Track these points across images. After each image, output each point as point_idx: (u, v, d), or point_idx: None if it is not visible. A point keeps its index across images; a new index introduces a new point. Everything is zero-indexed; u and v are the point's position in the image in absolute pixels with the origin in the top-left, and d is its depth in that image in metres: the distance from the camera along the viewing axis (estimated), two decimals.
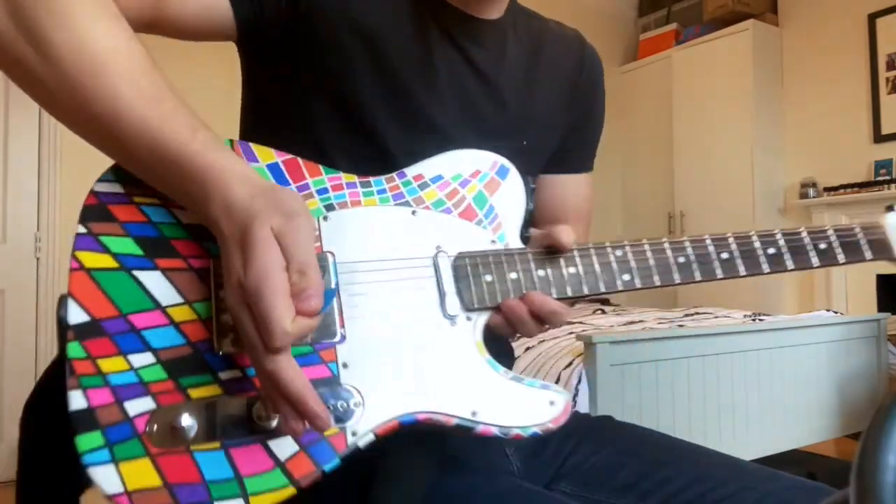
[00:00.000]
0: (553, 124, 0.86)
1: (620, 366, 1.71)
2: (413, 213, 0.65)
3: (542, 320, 0.65)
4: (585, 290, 0.66)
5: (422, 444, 0.63)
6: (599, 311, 3.08)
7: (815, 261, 0.72)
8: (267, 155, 0.62)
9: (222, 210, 0.52)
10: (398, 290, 0.61)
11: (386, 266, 0.61)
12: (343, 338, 0.58)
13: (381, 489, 0.59)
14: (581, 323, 2.48)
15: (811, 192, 3.96)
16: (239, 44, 0.74)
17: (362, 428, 0.56)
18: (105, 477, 0.50)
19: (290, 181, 0.62)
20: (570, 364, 1.76)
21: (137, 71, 0.54)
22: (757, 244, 0.71)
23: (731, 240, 0.71)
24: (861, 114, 3.84)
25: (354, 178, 0.64)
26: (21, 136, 2.96)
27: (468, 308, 0.62)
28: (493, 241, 0.66)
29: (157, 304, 0.55)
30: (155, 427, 0.52)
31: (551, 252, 0.66)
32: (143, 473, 0.51)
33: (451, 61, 0.76)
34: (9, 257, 2.94)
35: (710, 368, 1.89)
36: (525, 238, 0.70)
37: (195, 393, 0.54)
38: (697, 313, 2.71)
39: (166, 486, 0.51)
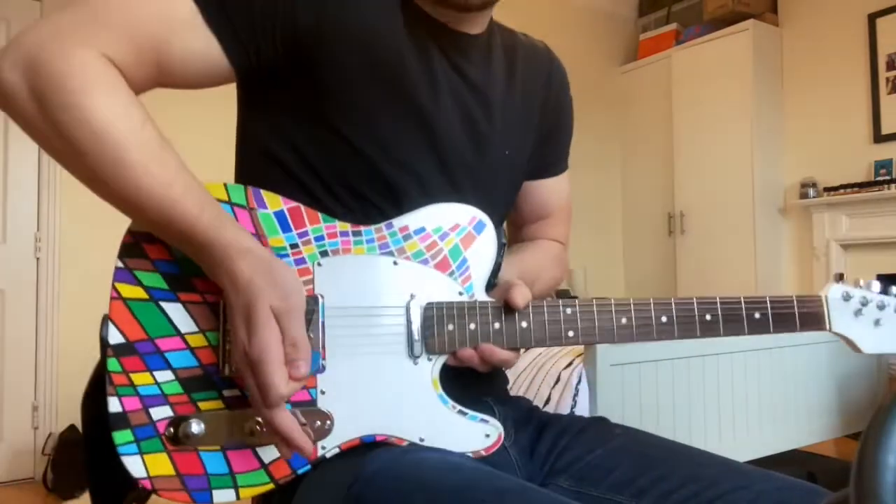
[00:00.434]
0: (528, 134, 0.90)
1: (620, 366, 1.71)
2: (395, 262, 0.73)
3: (493, 366, 0.75)
4: (533, 344, 0.75)
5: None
6: None
7: (746, 329, 0.79)
8: (275, 202, 0.71)
9: (229, 283, 0.64)
10: (374, 331, 0.71)
11: (366, 312, 0.71)
12: (324, 368, 0.70)
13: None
14: None
15: (811, 192, 3.96)
16: (240, 85, 0.78)
17: (330, 444, 0.69)
18: (133, 464, 0.66)
19: (293, 228, 0.71)
20: (570, 364, 1.76)
21: (150, 159, 0.63)
22: (696, 310, 0.78)
23: (672, 306, 0.77)
24: (861, 114, 3.84)
25: (348, 227, 0.73)
26: (21, 137, 2.94)
27: (430, 351, 0.72)
28: (461, 293, 0.75)
29: (177, 331, 0.68)
30: (171, 430, 0.66)
31: (507, 308, 0.74)
32: (161, 464, 0.66)
33: (449, 76, 0.79)
34: (9, 257, 2.94)
35: (710, 368, 1.89)
36: (492, 285, 0.78)
37: (204, 406, 0.68)
38: None
39: (178, 475, 0.67)
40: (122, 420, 0.65)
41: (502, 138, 0.84)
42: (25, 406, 2.94)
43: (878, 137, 3.76)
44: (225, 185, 0.70)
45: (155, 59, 0.67)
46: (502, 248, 0.78)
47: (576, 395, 1.67)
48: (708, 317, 0.78)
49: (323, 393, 0.69)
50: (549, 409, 1.69)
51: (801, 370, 2.10)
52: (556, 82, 0.95)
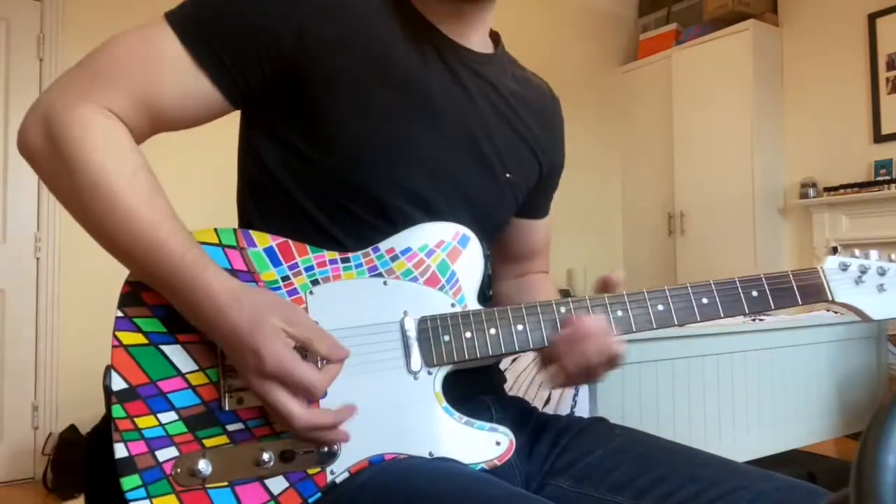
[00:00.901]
0: (530, 167, 0.90)
1: (620, 366, 1.71)
2: (384, 283, 0.74)
3: (607, 351, 0.75)
4: (531, 346, 0.75)
5: None
6: None
7: (746, 308, 0.79)
8: (263, 240, 0.73)
9: (216, 318, 0.65)
10: (371, 350, 0.72)
11: (361, 332, 0.72)
12: (325, 393, 0.68)
13: None
14: None
15: (811, 192, 3.96)
16: (243, 113, 0.80)
17: (339, 468, 0.69)
18: None
19: (283, 261, 0.73)
20: None
21: (139, 204, 0.66)
22: (691, 295, 0.78)
23: (667, 294, 0.78)
24: (861, 114, 3.84)
25: (336, 255, 0.74)
26: None
27: (429, 364, 0.72)
28: (453, 305, 0.75)
29: (178, 372, 0.69)
30: (178, 470, 0.66)
31: (500, 313, 0.75)
32: None
33: (450, 92, 0.80)
34: (9, 257, 2.94)
35: (710, 368, 1.89)
36: (487, 298, 0.80)
37: (209, 443, 0.68)
38: None
39: None
40: (129, 465, 0.66)
41: (503, 162, 0.85)
42: (25, 406, 2.94)
43: (878, 137, 3.76)
44: (215, 229, 0.72)
45: (151, 104, 0.70)
46: (488, 259, 0.79)
47: (576, 395, 1.67)
48: (705, 300, 0.78)
49: None
50: (549, 409, 1.69)
51: (801, 370, 2.10)
52: (558, 122, 0.98)
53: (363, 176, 0.75)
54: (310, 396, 0.65)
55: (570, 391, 1.70)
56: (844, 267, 0.81)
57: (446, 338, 0.73)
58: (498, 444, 0.72)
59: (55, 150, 0.67)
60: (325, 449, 0.68)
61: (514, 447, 0.72)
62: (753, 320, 2.41)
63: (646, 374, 1.76)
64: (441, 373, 0.73)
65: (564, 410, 1.66)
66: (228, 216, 0.85)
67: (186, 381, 0.69)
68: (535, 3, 4.31)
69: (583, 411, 1.65)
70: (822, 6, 4.05)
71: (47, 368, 2.97)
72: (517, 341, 0.74)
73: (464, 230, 0.77)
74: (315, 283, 0.72)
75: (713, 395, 1.89)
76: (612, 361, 0.77)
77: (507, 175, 0.85)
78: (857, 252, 0.82)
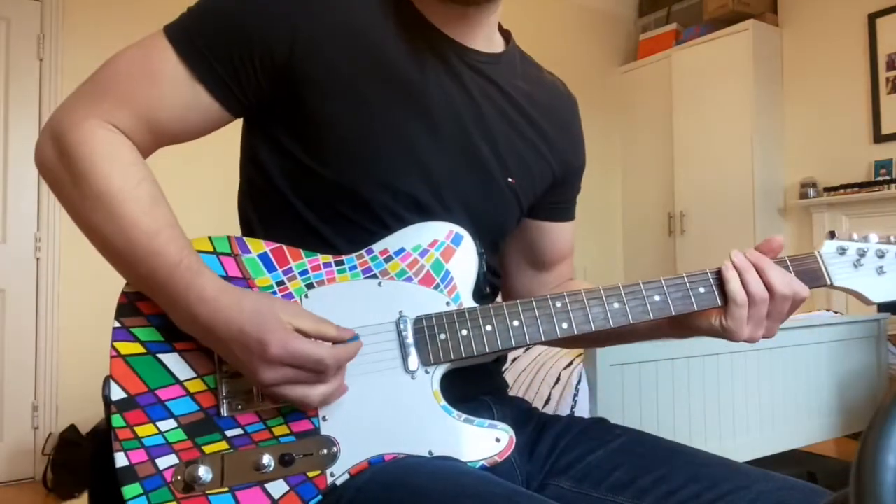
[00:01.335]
0: (539, 171, 0.88)
1: (620, 366, 1.71)
2: (379, 284, 0.74)
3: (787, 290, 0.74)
4: (528, 341, 0.75)
5: None
6: None
7: None
8: (257, 246, 0.74)
9: (217, 320, 0.65)
10: (368, 352, 0.71)
11: (357, 333, 0.71)
12: (346, 387, 0.69)
13: None
14: None
15: (811, 192, 3.96)
16: (246, 120, 0.81)
17: (339, 470, 0.69)
18: None
19: (278, 267, 0.73)
20: (570, 364, 1.76)
21: (142, 213, 0.68)
22: (687, 285, 0.78)
23: (663, 284, 0.77)
24: (861, 114, 3.84)
25: (330, 259, 0.75)
26: (21, 136, 2.96)
27: (426, 364, 0.72)
28: (448, 303, 0.75)
29: (176, 379, 0.69)
30: (179, 477, 0.67)
31: (496, 309, 0.75)
32: None
33: (449, 93, 0.79)
34: (9, 257, 2.94)
35: (710, 368, 1.89)
36: (484, 295, 0.80)
37: (208, 449, 0.68)
38: None
39: None
40: (129, 474, 0.66)
41: (506, 166, 0.83)
42: (25, 406, 2.94)
43: (878, 137, 3.76)
44: (209, 237, 0.73)
45: (153, 119, 0.72)
46: (483, 257, 0.78)
47: (576, 395, 1.67)
48: (702, 289, 0.77)
49: (325, 419, 0.70)
50: (549, 409, 1.69)
51: (801, 370, 2.10)
52: (576, 123, 0.95)
53: (358, 180, 0.75)
54: (321, 370, 0.66)
55: (570, 391, 1.70)
56: (842, 251, 0.79)
57: (442, 336, 0.73)
58: (498, 440, 0.72)
59: (65, 165, 0.69)
60: (325, 451, 0.68)
61: (514, 443, 0.72)
62: None
63: (646, 374, 1.76)
64: (438, 371, 0.73)
65: (565, 410, 1.66)
66: (235, 222, 0.86)
67: (184, 388, 0.69)
68: (535, 3, 4.31)
69: (583, 411, 1.65)
70: (822, 6, 4.05)
71: (47, 368, 2.97)
72: (513, 337, 0.74)
73: (457, 229, 0.77)
74: (310, 286, 0.73)
75: (713, 395, 1.89)
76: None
77: (510, 180, 0.84)
78: (854, 235, 0.80)
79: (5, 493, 2.81)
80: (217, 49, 0.72)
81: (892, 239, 0.80)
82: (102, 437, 0.71)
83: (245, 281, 0.72)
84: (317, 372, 0.66)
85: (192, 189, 2.99)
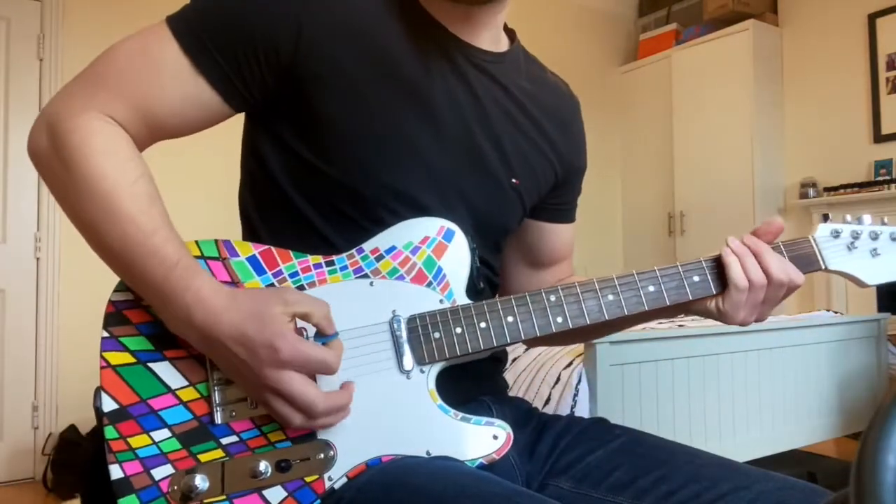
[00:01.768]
0: (542, 172, 0.88)
1: (620, 366, 1.71)
2: (371, 283, 0.73)
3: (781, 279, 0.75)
4: (523, 336, 0.74)
5: None
6: None
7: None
8: (246, 249, 0.73)
9: (216, 321, 0.64)
10: (362, 353, 0.71)
11: (350, 335, 0.70)
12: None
13: None
14: None
15: (811, 192, 3.96)
16: (248, 116, 0.80)
17: (336, 473, 0.68)
18: None
19: (267, 269, 0.72)
20: (570, 364, 1.76)
21: (138, 210, 0.66)
22: (682, 274, 0.77)
23: (657, 274, 0.77)
24: (861, 114, 3.84)
25: (320, 259, 0.74)
26: (21, 136, 2.95)
27: (421, 363, 0.72)
28: (442, 301, 0.74)
29: (168, 388, 0.68)
30: (175, 487, 0.66)
31: (490, 306, 0.74)
32: None
33: (453, 92, 0.78)
34: (9, 257, 2.94)
35: (710, 368, 1.89)
36: (478, 291, 0.78)
37: (203, 457, 0.67)
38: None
39: None
40: (125, 486, 0.65)
41: (509, 166, 0.83)
42: (25, 406, 2.94)
43: (878, 137, 3.76)
44: (196, 241, 0.71)
45: (151, 110, 0.71)
46: (475, 252, 0.77)
47: (576, 395, 1.67)
48: (696, 278, 0.77)
49: None
50: (549, 409, 1.69)
51: (801, 370, 2.10)
52: (578, 124, 0.95)
53: (360, 179, 0.75)
54: (326, 374, 0.66)
55: (570, 391, 1.70)
56: (836, 234, 0.79)
57: (437, 335, 0.72)
58: (495, 437, 0.71)
59: (58, 155, 0.68)
60: (322, 455, 0.68)
61: (511, 440, 0.71)
62: None
63: (646, 374, 1.76)
64: (434, 370, 0.72)
65: (564, 410, 1.66)
66: (235, 220, 0.86)
67: (177, 397, 0.68)
68: (535, 3, 4.31)
69: (583, 411, 1.65)
70: (822, 6, 4.05)
71: (47, 368, 2.97)
72: (508, 333, 0.73)
73: (448, 224, 0.76)
74: (301, 289, 0.72)
75: (713, 395, 1.89)
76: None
77: (513, 180, 0.83)
78: (848, 217, 0.80)
79: (5, 493, 2.81)
80: (221, 43, 0.70)
81: (886, 221, 0.80)
82: (95, 447, 0.70)
83: (234, 285, 0.70)
84: (322, 372, 0.66)
85: (192, 184, 2.99)
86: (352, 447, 0.68)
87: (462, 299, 0.75)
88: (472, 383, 0.80)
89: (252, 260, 0.72)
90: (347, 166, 0.75)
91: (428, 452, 0.70)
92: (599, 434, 0.81)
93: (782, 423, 2.04)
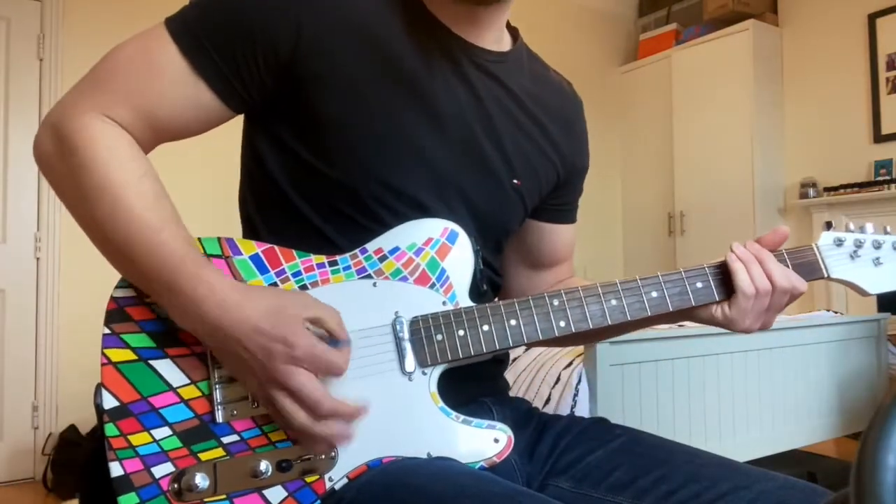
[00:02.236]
0: (544, 172, 0.88)
1: (620, 366, 1.71)
2: (374, 284, 0.73)
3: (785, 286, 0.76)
4: (525, 340, 0.74)
5: None
6: None
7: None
8: (249, 247, 0.72)
9: (227, 315, 0.64)
10: (364, 354, 0.70)
11: (353, 335, 0.69)
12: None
13: None
14: None
15: (811, 192, 3.96)
16: (248, 117, 0.80)
17: (337, 474, 0.68)
18: None
19: (270, 268, 0.72)
20: (570, 364, 1.76)
21: (144, 207, 0.66)
22: (685, 280, 0.78)
23: (661, 279, 0.77)
24: (861, 114, 3.84)
25: (323, 259, 0.73)
26: (21, 137, 2.96)
27: (423, 365, 0.72)
28: (445, 303, 0.74)
29: (169, 386, 0.68)
30: (175, 486, 0.66)
31: (493, 309, 0.74)
32: None
33: (453, 93, 0.78)
34: (9, 257, 2.94)
35: (710, 368, 1.89)
36: (481, 293, 0.78)
37: (204, 456, 0.67)
38: None
39: None
40: (125, 484, 0.65)
41: (511, 167, 0.83)
42: (25, 406, 2.94)
43: (878, 137, 3.76)
44: (199, 239, 0.71)
45: (152, 114, 0.71)
46: (479, 255, 0.77)
47: (576, 395, 1.67)
48: (699, 284, 0.77)
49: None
50: (549, 409, 1.69)
51: (801, 370, 2.10)
52: (580, 124, 0.95)
53: (361, 180, 0.75)
54: (334, 375, 0.66)
55: (570, 391, 1.70)
56: (839, 242, 0.79)
57: (439, 337, 0.72)
58: (496, 441, 0.71)
59: (63, 158, 0.68)
60: (323, 456, 0.67)
61: (512, 443, 0.71)
62: None
63: (646, 374, 1.76)
64: (436, 372, 0.72)
65: (565, 410, 1.66)
66: (235, 219, 0.86)
67: (178, 395, 0.68)
68: (535, 3, 4.31)
69: (583, 411, 1.65)
70: (822, 6, 4.05)
71: (47, 368, 2.97)
72: (511, 336, 0.73)
73: (452, 226, 0.76)
74: (303, 288, 0.72)
75: (713, 395, 1.89)
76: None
77: (515, 181, 0.83)
78: (851, 226, 0.80)
79: (5, 493, 2.81)
80: (220, 44, 0.70)
81: (888, 230, 0.80)
82: (94, 445, 0.70)
83: None
84: (330, 373, 0.66)
85: (192, 184, 2.99)
86: (353, 448, 0.68)
87: (465, 301, 0.75)
88: (473, 384, 0.80)
89: (255, 258, 0.72)
90: (347, 166, 0.74)
91: (429, 454, 0.70)
92: (599, 434, 0.81)
93: (782, 423, 2.04)
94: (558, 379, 1.74)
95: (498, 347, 0.73)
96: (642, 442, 0.80)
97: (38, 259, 2.99)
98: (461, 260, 0.76)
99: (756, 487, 0.70)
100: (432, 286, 0.74)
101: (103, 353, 0.68)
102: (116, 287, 0.71)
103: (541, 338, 0.74)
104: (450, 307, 0.74)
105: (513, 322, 0.74)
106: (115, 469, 0.65)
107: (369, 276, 0.73)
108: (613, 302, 0.75)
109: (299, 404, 0.64)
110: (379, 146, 0.75)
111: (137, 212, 0.66)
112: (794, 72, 4.16)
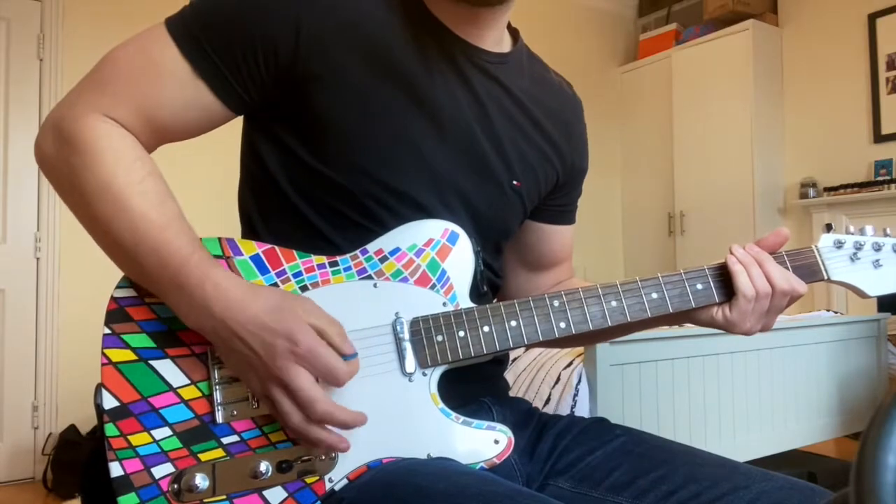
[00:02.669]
0: (543, 174, 0.88)
1: (620, 366, 1.71)
2: (374, 285, 0.73)
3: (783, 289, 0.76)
4: (526, 341, 0.74)
5: None
6: None
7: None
8: (249, 248, 0.72)
9: (232, 314, 0.64)
10: (365, 355, 0.70)
11: (353, 336, 0.69)
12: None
13: None
14: None
15: (811, 192, 3.96)
16: (247, 118, 0.80)
17: (337, 475, 0.68)
18: None
19: (271, 269, 0.72)
20: (570, 364, 1.76)
21: (149, 206, 0.67)
22: (685, 282, 0.78)
23: (661, 280, 0.77)
24: (861, 114, 3.84)
25: (324, 260, 0.73)
26: (21, 137, 2.96)
27: (423, 366, 0.72)
28: (445, 304, 0.74)
29: (169, 387, 0.68)
30: (176, 486, 0.66)
31: (493, 310, 0.74)
32: None
33: (453, 95, 0.78)
34: (9, 257, 2.94)
35: (710, 368, 1.89)
36: (482, 294, 0.78)
37: (204, 457, 0.67)
38: None
39: None
40: (125, 484, 0.65)
41: (511, 168, 0.83)
42: (25, 406, 2.94)
43: (878, 137, 3.76)
44: (199, 239, 0.70)
45: (153, 115, 0.71)
46: (479, 256, 0.77)
47: (576, 395, 1.67)
48: (699, 286, 0.77)
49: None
50: (549, 408, 1.69)
51: (801, 370, 2.10)
52: (580, 126, 0.95)
53: (361, 181, 0.75)
54: (332, 383, 0.65)
55: (570, 391, 1.70)
56: (839, 244, 0.80)
57: (439, 338, 0.72)
58: (496, 442, 0.71)
59: (65, 159, 0.68)
60: (323, 457, 0.67)
61: (512, 445, 0.72)
62: None
63: (646, 374, 1.76)
64: (436, 373, 0.72)
65: (565, 410, 1.66)
66: (234, 219, 0.85)
67: (178, 395, 0.68)
68: (535, 3, 4.31)
69: (583, 411, 1.65)
70: (822, 6, 4.04)
71: (47, 368, 2.97)
72: (511, 337, 0.73)
73: (452, 227, 0.76)
74: (304, 288, 0.72)
75: (713, 395, 1.88)
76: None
77: (514, 182, 0.83)
78: (851, 228, 0.81)
79: (5, 493, 2.81)
80: (220, 45, 0.70)
81: (889, 232, 0.80)
82: (94, 446, 0.70)
83: None
84: (329, 379, 0.65)
85: (192, 183, 2.99)
86: (353, 449, 0.68)
87: (465, 302, 0.75)
88: (473, 385, 0.80)
89: (255, 259, 0.72)
90: (347, 167, 0.74)
91: (429, 455, 0.70)
92: (599, 434, 0.81)
93: (782, 423, 2.04)
94: (558, 379, 1.74)
95: (498, 348, 0.73)
96: (642, 442, 0.80)
97: (38, 259, 2.99)
98: (462, 261, 0.76)
99: (756, 488, 0.70)
100: (433, 287, 0.74)
101: (103, 354, 0.68)
102: (117, 287, 0.71)
103: (541, 339, 0.74)
104: (450, 308, 0.74)
105: (513, 323, 0.74)
106: (115, 469, 0.65)
107: (370, 277, 0.73)
108: (613, 303, 0.75)
109: (295, 404, 0.64)
110: (379, 147, 0.75)
111: (142, 210, 0.66)
112: (794, 72, 4.16)
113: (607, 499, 0.74)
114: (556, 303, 0.75)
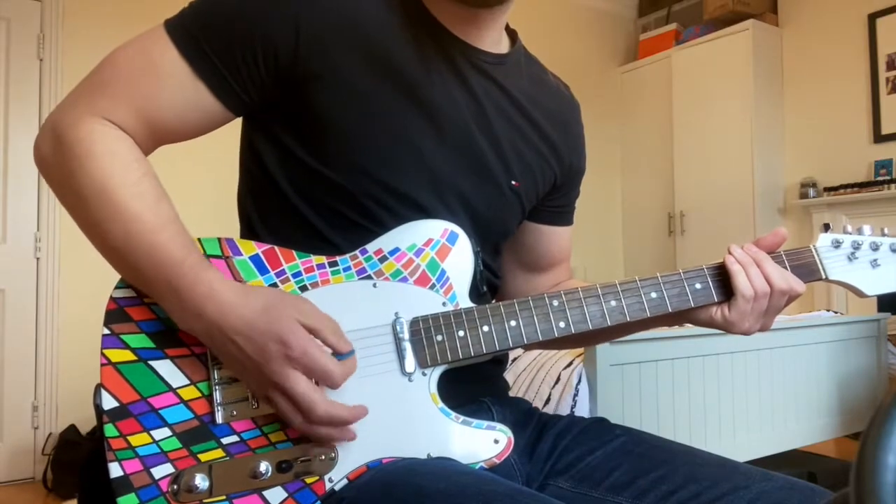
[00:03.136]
0: (541, 174, 0.88)
1: (620, 366, 1.71)
2: (374, 285, 0.73)
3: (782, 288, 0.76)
4: (525, 341, 0.74)
5: None
6: None
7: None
8: (249, 248, 0.72)
9: (224, 314, 0.64)
10: (364, 355, 0.70)
11: (353, 336, 0.69)
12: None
13: None
14: None
15: (811, 192, 3.96)
16: (247, 118, 0.80)
17: (337, 475, 0.68)
18: None
19: (270, 269, 0.72)
20: (570, 364, 1.76)
21: (144, 209, 0.67)
22: (684, 281, 0.78)
23: (660, 280, 0.77)
24: (861, 114, 3.84)
25: (323, 260, 0.73)
26: (21, 137, 2.96)
27: (423, 365, 0.72)
28: (445, 304, 0.74)
29: (169, 387, 0.68)
30: (175, 487, 0.65)
31: (493, 310, 0.74)
32: None
33: (452, 96, 0.78)
34: (9, 257, 2.94)
35: (710, 368, 1.89)
36: (481, 294, 0.78)
37: (204, 457, 0.67)
38: None
39: None
40: (125, 485, 0.65)
41: (509, 169, 0.83)
42: (25, 406, 2.94)
43: (878, 137, 3.76)
44: (199, 239, 0.71)
45: (152, 116, 0.71)
46: (478, 256, 0.78)
47: (576, 395, 1.67)
48: (698, 285, 0.77)
49: None
50: (549, 408, 1.69)
51: (801, 370, 2.10)
52: (577, 128, 0.95)
53: (360, 181, 0.75)
54: (328, 385, 0.65)
55: (570, 391, 1.70)
56: (837, 244, 0.80)
57: (439, 338, 0.72)
58: (496, 442, 0.71)
59: (63, 161, 0.68)
60: (323, 457, 0.67)
61: (512, 444, 0.72)
62: None
63: (646, 374, 1.75)
64: (436, 373, 0.72)
65: (565, 410, 1.66)
66: (234, 219, 0.85)
67: (178, 395, 0.68)
68: (535, 3, 4.31)
69: (583, 411, 1.65)
70: (822, 6, 4.04)
71: (47, 368, 2.97)
72: (511, 337, 0.74)
73: (452, 227, 0.76)
74: (303, 289, 0.72)
75: (713, 395, 1.88)
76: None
77: (513, 183, 0.83)
78: (849, 228, 0.81)
79: (5, 493, 2.81)
80: (219, 46, 0.70)
81: (886, 231, 0.81)
82: (94, 446, 0.70)
83: None
84: (325, 381, 0.65)
85: (192, 185, 2.99)
86: (353, 449, 0.69)
87: (465, 302, 0.75)
88: (472, 385, 0.80)
89: (255, 259, 0.72)
90: (346, 167, 0.74)
91: (429, 455, 0.70)
92: (599, 434, 0.81)
93: (782, 423, 2.04)
94: (558, 379, 1.74)
95: (498, 348, 0.73)
96: (642, 442, 0.80)
97: (38, 259, 2.99)
98: (461, 261, 0.76)
99: (756, 488, 0.70)
100: (432, 287, 0.74)
101: (103, 354, 0.68)
102: (116, 287, 0.71)
103: (540, 338, 0.74)
104: (450, 308, 0.74)
105: (513, 323, 0.74)
106: (115, 470, 0.65)
107: (369, 277, 0.73)
108: (613, 303, 0.76)
109: (295, 407, 0.64)
110: (378, 147, 0.75)
111: (137, 212, 0.66)
112: (794, 72, 4.16)
113: (607, 499, 0.74)
114: (555, 302, 0.75)
